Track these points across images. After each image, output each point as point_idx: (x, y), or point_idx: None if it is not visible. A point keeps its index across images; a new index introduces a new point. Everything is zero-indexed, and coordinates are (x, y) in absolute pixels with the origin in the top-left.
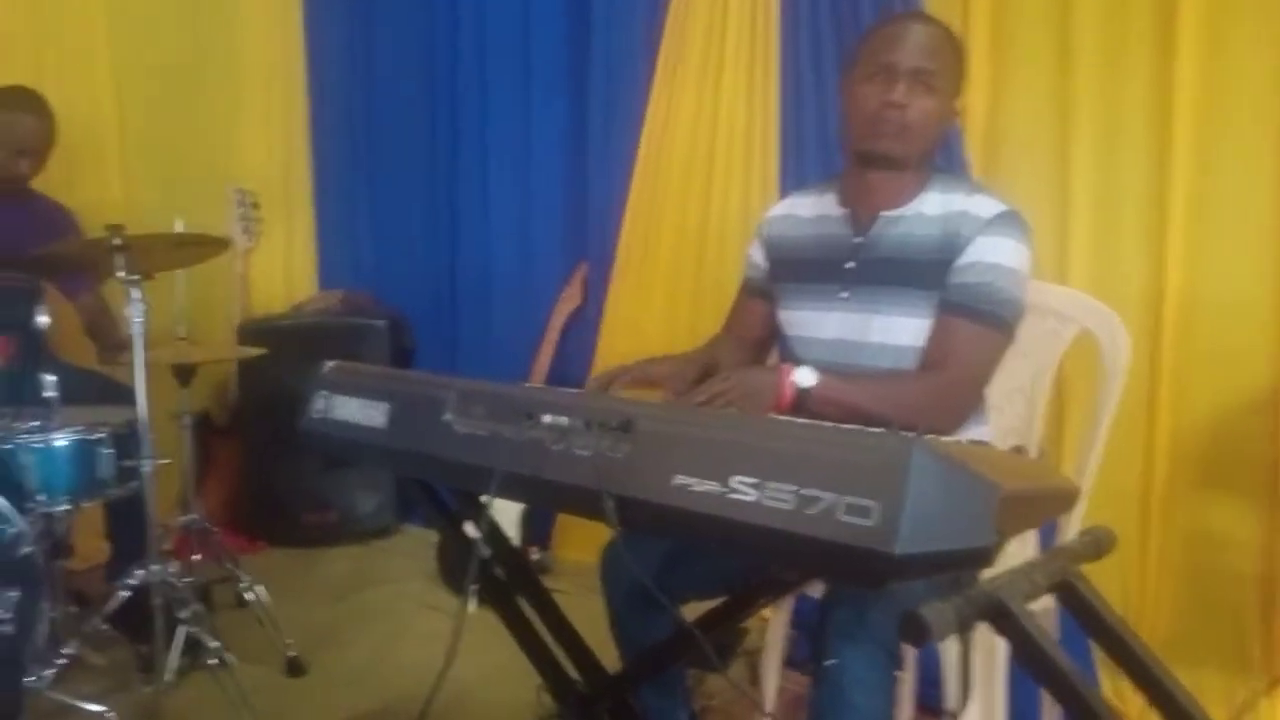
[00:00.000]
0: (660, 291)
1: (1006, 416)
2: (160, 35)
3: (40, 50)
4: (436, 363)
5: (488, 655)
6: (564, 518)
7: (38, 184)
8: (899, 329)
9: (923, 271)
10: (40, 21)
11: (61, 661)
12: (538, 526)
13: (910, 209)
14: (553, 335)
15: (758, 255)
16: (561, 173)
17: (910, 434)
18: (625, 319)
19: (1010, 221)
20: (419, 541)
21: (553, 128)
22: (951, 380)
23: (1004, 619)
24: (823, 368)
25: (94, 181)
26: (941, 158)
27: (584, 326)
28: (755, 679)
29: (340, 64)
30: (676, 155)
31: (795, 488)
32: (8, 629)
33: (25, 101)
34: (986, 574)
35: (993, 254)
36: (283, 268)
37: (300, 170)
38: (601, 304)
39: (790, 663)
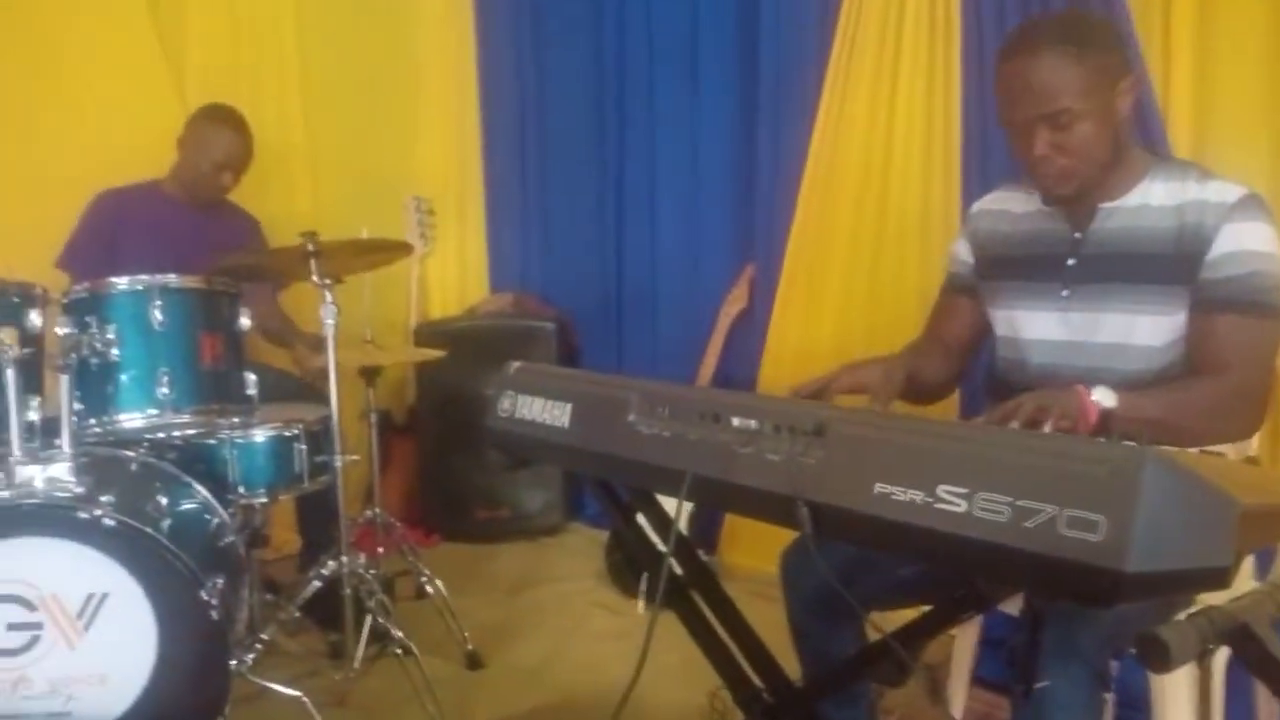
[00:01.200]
0: (833, 295)
1: None
2: (344, 55)
3: (235, 70)
4: (601, 364)
5: (660, 658)
6: (731, 522)
7: (239, 197)
8: (1136, 328)
9: (1159, 265)
10: (235, 44)
11: (259, 647)
12: (704, 530)
13: (1132, 199)
14: (719, 338)
15: (964, 251)
16: (729, 173)
17: (1141, 444)
18: (795, 323)
19: (1256, 205)
20: (586, 540)
21: (721, 127)
22: (1243, 381)
23: (1249, 643)
24: (1063, 373)
25: (284, 193)
26: (1143, 140)
27: (750, 330)
28: (935, 695)
29: (510, 76)
30: (851, 152)
31: (1010, 499)
32: (215, 614)
33: (228, 118)
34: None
35: (1248, 241)
36: (456, 272)
37: (473, 177)
38: (768, 307)
39: (975, 679)
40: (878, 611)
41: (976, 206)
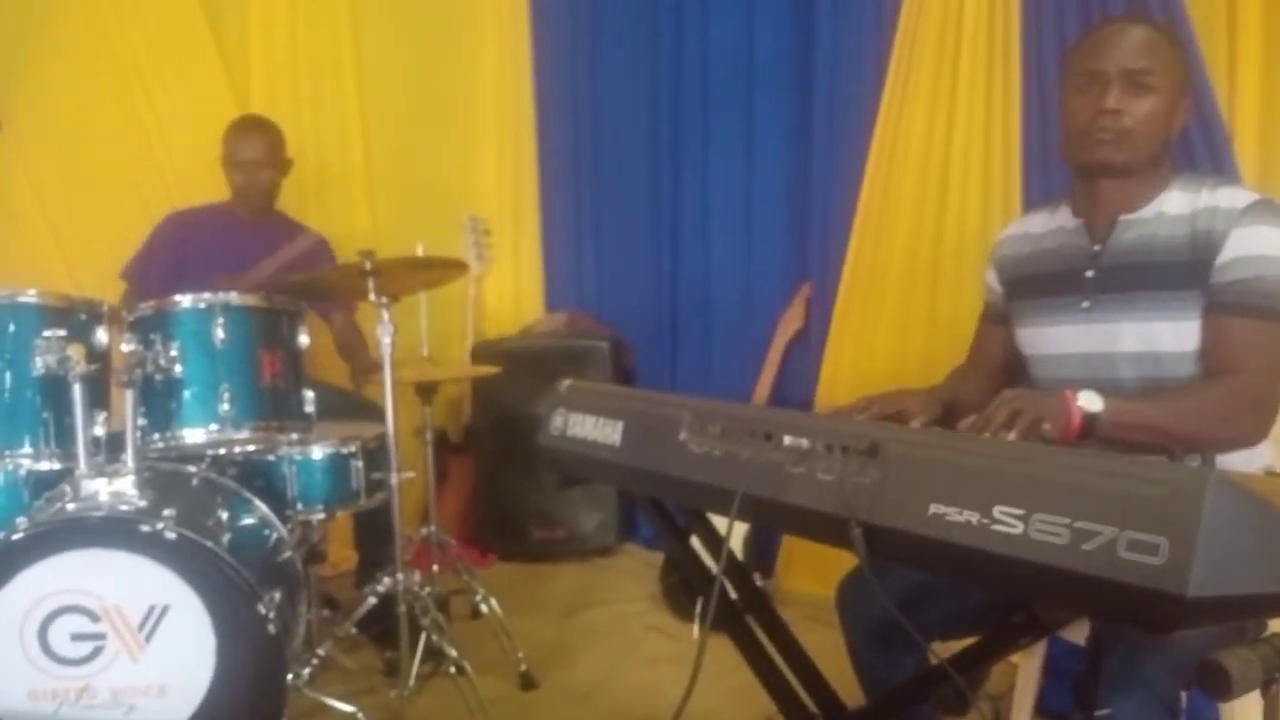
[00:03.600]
0: (890, 315)
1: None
2: (402, 76)
3: (295, 91)
4: (655, 384)
5: (716, 682)
6: (789, 545)
7: (300, 216)
8: (1157, 335)
9: (1173, 272)
10: (296, 66)
11: (315, 662)
12: (761, 553)
13: (1150, 210)
14: (774, 358)
15: (992, 280)
16: (784, 191)
17: (1199, 462)
18: (851, 343)
19: (1267, 209)
20: (640, 561)
21: (775, 146)
22: (1247, 385)
23: None
24: (1092, 387)
25: (344, 211)
26: (1209, 163)
27: (806, 350)
28: None
29: (566, 95)
30: (909, 170)
31: (1068, 520)
32: (272, 628)
33: (247, 122)
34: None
35: (1256, 245)
36: (512, 291)
37: (528, 196)
38: (824, 327)
39: (1040, 710)
40: (940, 641)
41: (1000, 235)
